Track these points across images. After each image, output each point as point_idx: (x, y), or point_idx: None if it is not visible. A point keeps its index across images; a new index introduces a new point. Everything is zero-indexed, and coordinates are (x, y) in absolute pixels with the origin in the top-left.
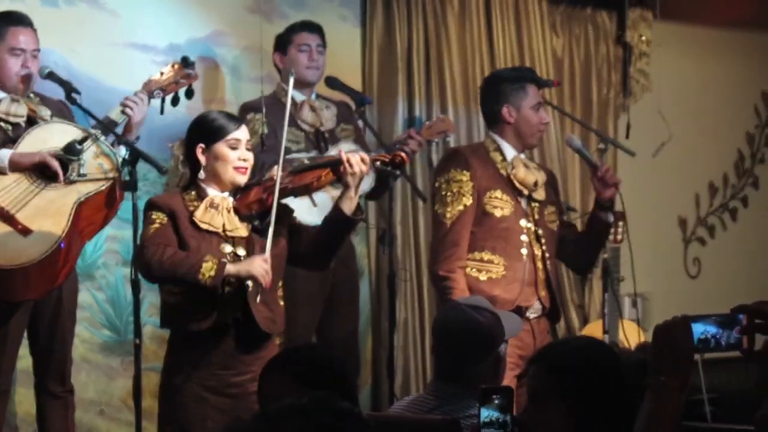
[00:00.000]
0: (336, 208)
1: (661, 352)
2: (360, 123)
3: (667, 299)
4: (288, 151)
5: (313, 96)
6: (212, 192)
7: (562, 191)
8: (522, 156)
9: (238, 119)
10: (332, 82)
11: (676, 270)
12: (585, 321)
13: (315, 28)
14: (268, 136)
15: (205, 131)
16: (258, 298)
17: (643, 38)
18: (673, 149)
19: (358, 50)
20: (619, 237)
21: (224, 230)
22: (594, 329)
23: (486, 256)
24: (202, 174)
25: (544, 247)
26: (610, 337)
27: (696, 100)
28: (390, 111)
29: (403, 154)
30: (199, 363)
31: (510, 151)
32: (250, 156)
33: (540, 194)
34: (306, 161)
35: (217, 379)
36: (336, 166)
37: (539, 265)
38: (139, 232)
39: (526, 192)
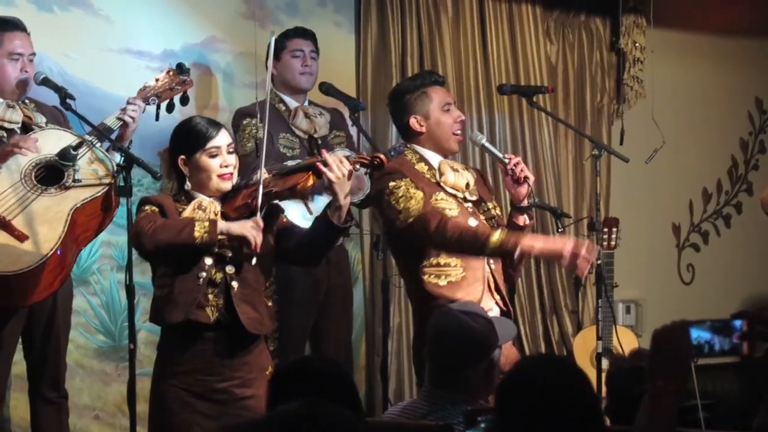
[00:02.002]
0: (325, 216)
1: (659, 357)
2: (354, 129)
3: (661, 305)
4: (283, 157)
5: (306, 103)
6: (198, 196)
7: (555, 197)
8: (446, 160)
9: (217, 124)
10: (326, 88)
11: (670, 276)
12: (579, 327)
13: (308, 35)
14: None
15: (184, 142)
16: (254, 261)
17: (637, 45)
18: (667, 155)
19: (353, 56)
20: (613, 243)
21: None
22: (587, 335)
23: (443, 260)
24: (188, 184)
25: None
26: (604, 343)
27: (690, 106)
28: (384, 117)
29: (382, 156)
30: (184, 369)
31: (434, 159)
32: (232, 160)
33: (473, 194)
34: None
35: (202, 384)
36: (316, 170)
37: (489, 266)
38: None
39: (460, 195)
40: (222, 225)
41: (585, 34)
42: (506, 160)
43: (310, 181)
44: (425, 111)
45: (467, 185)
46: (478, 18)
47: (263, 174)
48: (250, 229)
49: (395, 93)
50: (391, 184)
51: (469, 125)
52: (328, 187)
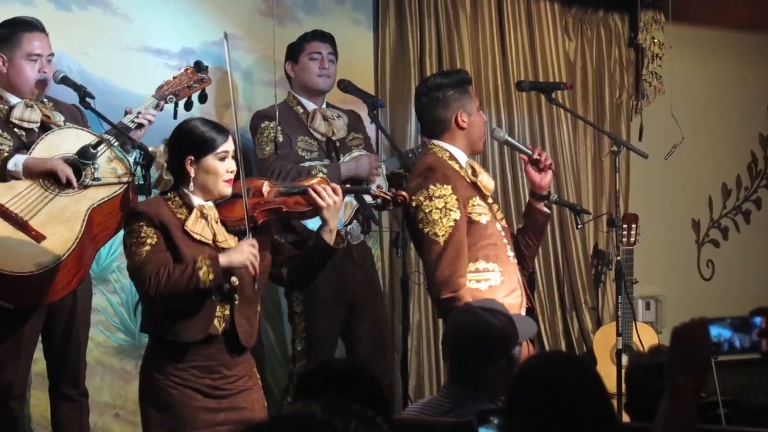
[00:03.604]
0: (317, 239)
1: (678, 354)
2: (372, 127)
3: (681, 301)
4: (301, 159)
5: (324, 105)
6: (197, 200)
7: (575, 194)
8: (473, 160)
9: (225, 130)
10: (345, 86)
11: (690, 272)
12: (599, 323)
13: (327, 38)
14: (283, 144)
15: (194, 143)
16: (256, 286)
17: (656, 40)
18: (686, 151)
19: (371, 54)
20: (632, 239)
21: (215, 241)
22: (607, 332)
23: (481, 265)
24: (191, 185)
25: (509, 246)
26: (624, 339)
27: (709, 102)
28: (402, 115)
29: (405, 194)
30: (184, 367)
31: (462, 157)
32: (234, 165)
33: (490, 198)
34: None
35: (202, 382)
36: (309, 198)
37: (518, 272)
38: None
39: (489, 198)
40: (223, 260)
41: (603, 31)
42: (530, 151)
43: (299, 208)
44: (469, 108)
45: (492, 190)
46: (497, 15)
47: (266, 188)
48: (249, 255)
49: (433, 87)
50: (432, 189)
51: (488, 122)
52: (319, 215)
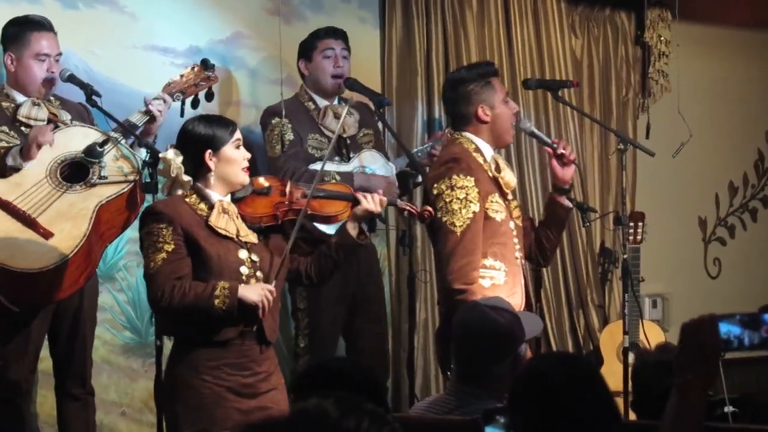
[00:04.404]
0: (344, 234)
1: (688, 351)
2: (379, 125)
3: (688, 299)
4: (311, 157)
5: (336, 101)
6: (215, 196)
7: (581, 192)
8: (498, 155)
9: (232, 121)
10: (351, 84)
11: (697, 270)
12: (605, 322)
13: (339, 34)
14: (294, 142)
15: (209, 137)
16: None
17: (662, 38)
18: (693, 149)
19: (377, 52)
20: (639, 237)
21: (238, 236)
22: (614, 330)
23: (488, 261)
24: (211, 180)
25: (518, 246)
26: (631, 337)
27: (715, 99)
28: (409, 113)
29: (430, 209)
30: (215, 364)
31: (488, 151)
32: (248, 153)
33: (510, 194)
34: (328, 185)
35: (234, 380)
36: (356, 202)
37: (522, 268)
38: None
39: (509, 194)
40: (239, 293)
41: (610, 28)
42: (554, 145)
43: (347, 215)
44: (491, 101)
45: (513, 187)
46: (503, 13)
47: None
48: (263, 297)
49: (456, 81)
50: (456, 179)
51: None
52: (360, 216)
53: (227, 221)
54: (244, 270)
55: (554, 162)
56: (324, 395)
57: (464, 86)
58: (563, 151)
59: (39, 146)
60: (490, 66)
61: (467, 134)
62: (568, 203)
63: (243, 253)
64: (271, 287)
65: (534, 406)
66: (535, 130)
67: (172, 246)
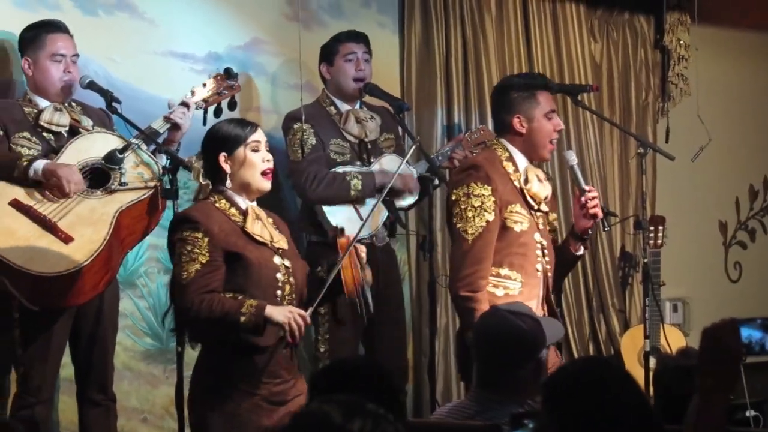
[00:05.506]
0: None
1: (709, 355)
2: (399, 130)
3: (708, 304)
4: (333, 162)
5: (358, 105)
6: (242, 201)
7: (601, 196)
8: (533, 166)
9: (253, 123)
10: (370, 89)
11: (717, 274)
12: (626, 326)
13: (360, 37)
14: (316, 147)
15: (223, 139)
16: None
17: (682, 42)
18: (713, 153)
19: (397, 57)
20: (659, 242)
21: (271, 242)
22: (635, 334)
23: (504, 271)
24: (228, 183)
25: (547, 259)
26: (652, 341)
27: (735, 103)
28: (428, 118)
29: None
30: (252, 372)
31: (522, 161)
32: (271, 157)
33: (546, 206)
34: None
35: (266, 388)
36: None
37: (544, 281)
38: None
39: (536, 206)
40: (266, 312)
41: (629, 32)
42: (585, 190)
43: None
44: (530, 114)
45: (545, 197)
46: (522, 17)
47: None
48: (292, 321)
49: (502, 87)
50: (473, 186)
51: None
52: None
53: (261, 227)
54: (279, 276)
55: (577, 207)
56: (326, 399)
57: (508, 94)
58: (585, 202)
59: (63, 191)
60: (539, 78)
61: (504, 141)
62: (579, 251)
63: (277, 259)
64: (305, 313)
65: (570, 410)
66: (576, 167)
67: (207, 258)
